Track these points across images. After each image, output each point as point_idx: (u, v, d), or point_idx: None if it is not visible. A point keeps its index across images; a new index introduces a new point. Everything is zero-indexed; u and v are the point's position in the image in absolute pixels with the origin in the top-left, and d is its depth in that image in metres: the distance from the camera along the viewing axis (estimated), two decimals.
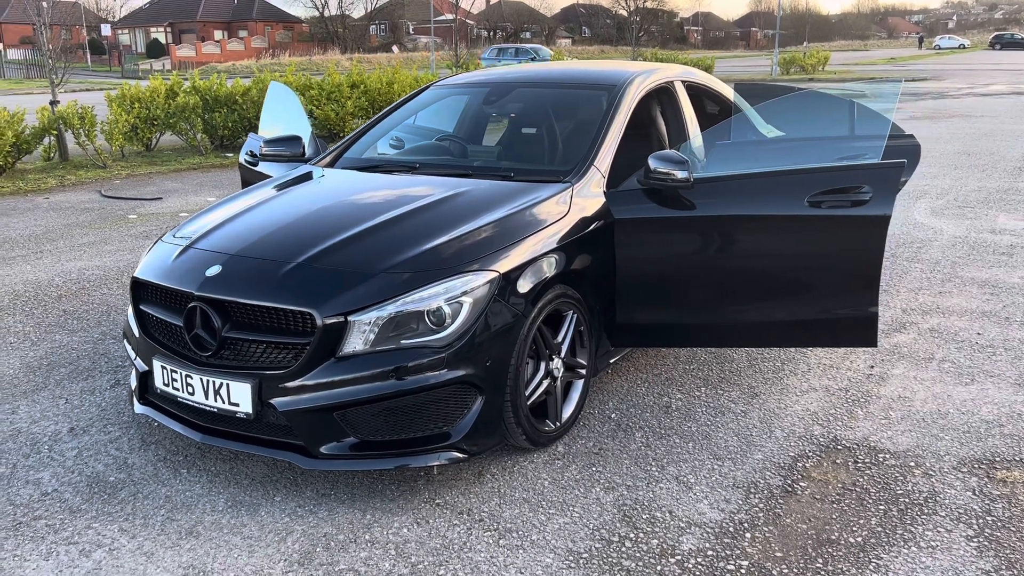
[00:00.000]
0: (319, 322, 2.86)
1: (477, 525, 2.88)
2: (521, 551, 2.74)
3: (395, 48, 57.25)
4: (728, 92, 4.99)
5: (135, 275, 3.38)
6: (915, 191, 9.04)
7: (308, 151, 4.61)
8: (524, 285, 3.15)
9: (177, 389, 3.12)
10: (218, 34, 61.09)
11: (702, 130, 4.63)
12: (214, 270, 3.11)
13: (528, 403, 3.25)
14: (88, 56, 54.59)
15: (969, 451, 3.39)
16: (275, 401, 2.91)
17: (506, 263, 3.12)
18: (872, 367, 4.26)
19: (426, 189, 3.65)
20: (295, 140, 4.59)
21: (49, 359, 4.43)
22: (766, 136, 4.93)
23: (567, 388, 3.56)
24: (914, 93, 24.04)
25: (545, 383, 3.36)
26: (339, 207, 3.60)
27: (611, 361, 3.90)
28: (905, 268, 6.08)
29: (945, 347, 4.52)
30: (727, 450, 3.40)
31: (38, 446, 3.46)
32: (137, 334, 3.34)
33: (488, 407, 3.05)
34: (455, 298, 2.96)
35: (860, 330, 3.64)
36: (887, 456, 3.35)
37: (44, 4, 13.77)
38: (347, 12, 65.65)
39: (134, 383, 3.45)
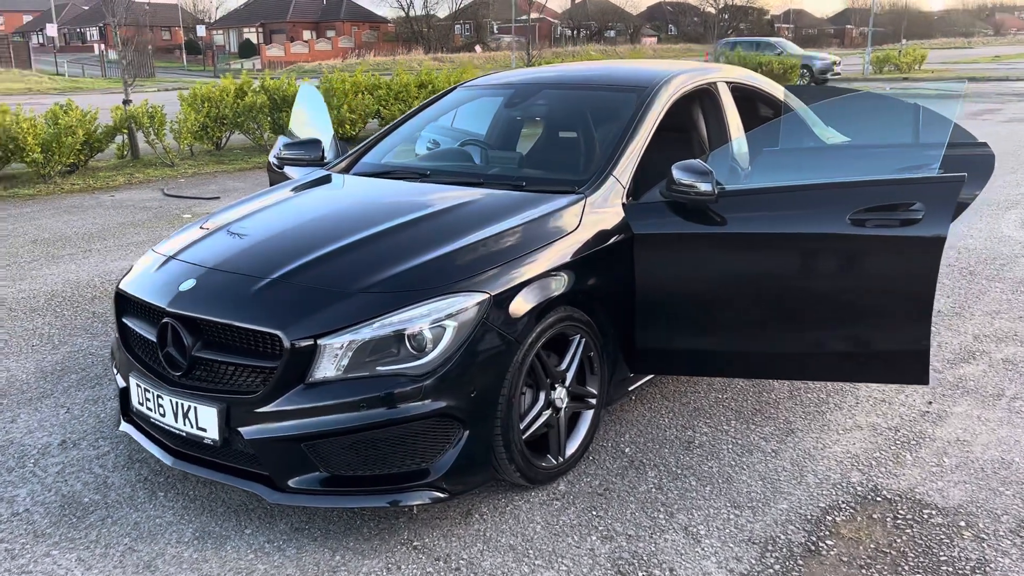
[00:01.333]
0: (286, 344, 2.63)
1: (452, 574, 2.61)
2: None
3: (478, 48, 57.36)
4: (781, 93, 4.59)
5: (118, 286, 3.22)
6: (1006, 201, 8.35)
7: (329, 154, 4.43)
8: (520, 308, 2.86)
9: (150, 409, 2.94)
10: (307, 34, 62.34)
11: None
12: (188, 285, 2.92)
13: (524, 436, 2.96)
14: (184, 56, 56.44)
15: None
16: (242, 429, 2.70)
17: (499, 283, 2.83)
18: (930, 403, 3.81)
19: (427, 199, 3.39)
20: (314, 143, 4.41)
21: (64, 364, 4.35)
22: (825, 142, 4.51)
23: (574, 420, 3.25)
24: (1018, 93, 22.65)
25: (545, 415, 3.06)
26: (331, 218, 3.37)
27: (630, 389, 3.58)
28: (984, 288, 5.53)
29: (1019, 383, 4.02)
30: (749, 497, 3.04)
31: (24, 459, 3.35)
32: (118, 348, 3.19)
33: (473, 442, 2.77)
34: (438, 322, 2.69)
35: (909, 366, 3.22)
36: (933, 512, 2.94)
37: (119, 8, 14.05)
38: (432, 12, 66.14)
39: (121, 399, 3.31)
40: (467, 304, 2.73)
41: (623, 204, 3.38)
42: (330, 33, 63.35)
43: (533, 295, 2.91)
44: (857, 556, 2.70)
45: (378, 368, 2.66)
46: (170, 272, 3.07)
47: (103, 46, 50.98)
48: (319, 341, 2.63)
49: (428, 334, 2.68)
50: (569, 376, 3.14)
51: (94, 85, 37.00)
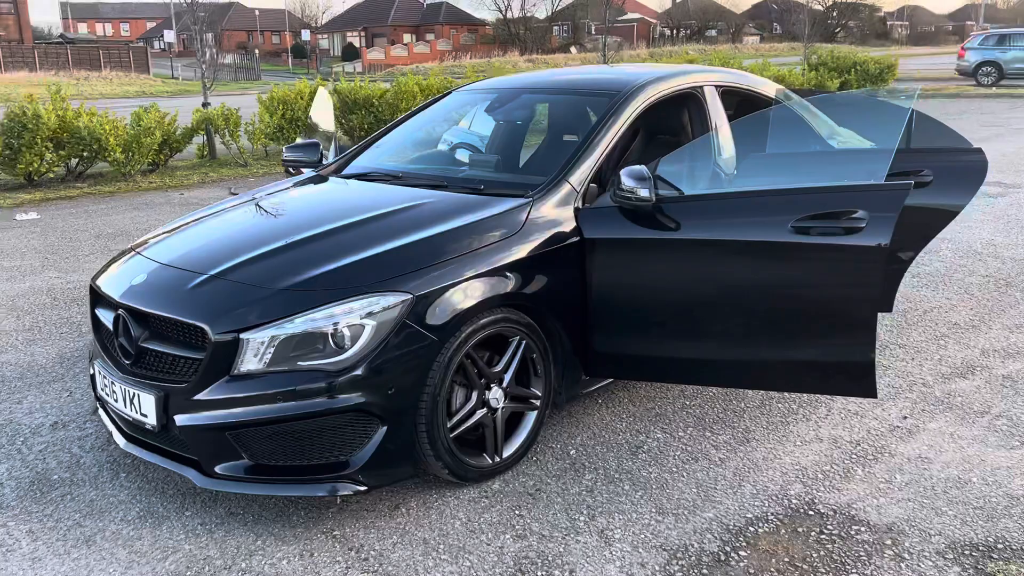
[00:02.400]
0: (211, 337, 2.79)
1: (358, 565, 2.71)
2: None
3: (573, 48, 57.35)
4: (777, 95, 4.50)
5: (92, 279, 3.46)
6: None
7: (330, 157, 4.60)
8: (446, 309, 2.93)
9: (108, 395, 3.15)
10: (407, 37, 63.65)
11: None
12: (139, 279, 3.12)
13: (453, 435, 3.03)
14: (290, 59, 58.50)
15: (969, 533, 2.83)
16: (176, 416, 2.87)
17: (424, 284, 2.91)
18: (905, 418, 3.69)
19: (383, 201, 3.50)
20: (313, 147, 4.59)
21: (83, 352, 4.66)
22: (832, 146, 4.40)
23: (517, 420, 3.30)
24: None
25: (479, 414, 3.13)
26: (286, 218, 3.53)
27: (585, 392, 3.60)
28: (1015, 301, 5.26)
29: (1010, 400, 3.84)
30: (677, 504, 3.02)
31: (15, 437, 3.62)
32: (92, 337, 3.42)
33: (391, 438, 2.86)
34: (356, 320, 2.79)
35: (855, 378, 3.13)
36: (862, 529, 2.86)
37: (201, 13, 14.73)
38: (530, 14, 66.47)
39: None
40: (387, 304, 2.82)
41: (576, 209, 3.41)
42: (429, 36, 64.53)
43: (462, 296, 2.98)
44: (765, 568, 2.66)
45: (299, 363, 2.78)
46: (130, 266, 3.28)
47: (213, 51, 53.20)
48: (241, 335, 2.77)
49: (347, 332, 2.79)
50: (507, 377, 3.19)
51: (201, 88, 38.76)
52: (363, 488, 2.85)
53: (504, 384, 3.19)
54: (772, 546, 2.78)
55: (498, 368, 3.16)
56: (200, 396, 2.81)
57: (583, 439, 3.52)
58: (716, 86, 4.25)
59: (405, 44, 60.22)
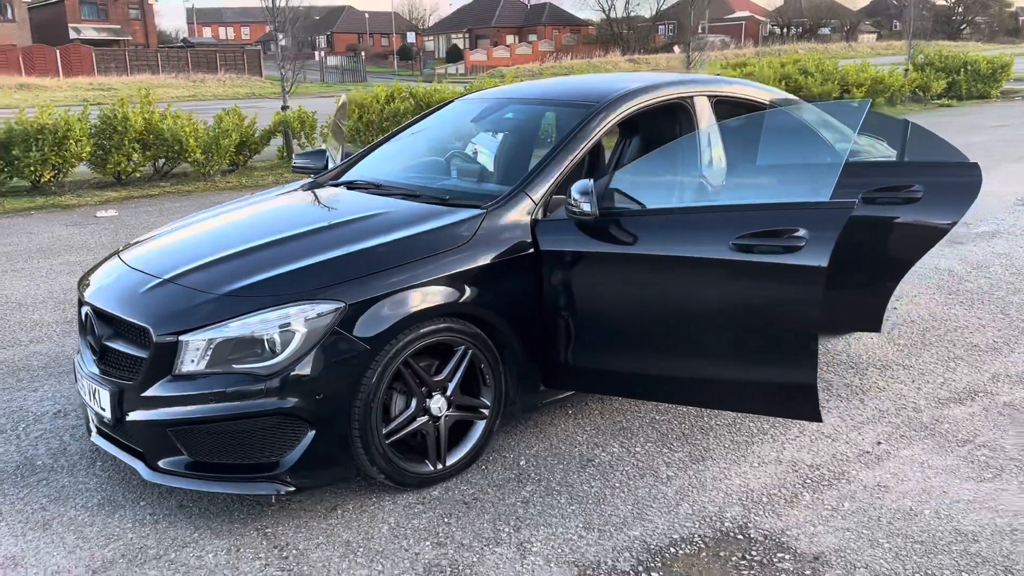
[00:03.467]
0: (154, 338, 2.95)
1: (277, 563, 2.81)
2: None
3: (676, 48, 56.47)
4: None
5: (80, 278, 3.69)
6: None
7: (337, 163, 4.74)
8: (382, 318, 3.01)
9: (81, 388, 3.37)
10: (510, 38, 64.15)
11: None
12: (107, 279, 3.33)
13: (389, 440, 3.10)
14: (395, 61, 59.86)
15: (898, 567, 2.71)
16: (128, 412, 3.05)
17: (360, 293, 2.99)
18: (879, 443, 3.54)
19: (349, 210, 3.62)
20: (320, 154, 4.75)
21: None
22: (840, 156, 4.25)
23: (466, 429, 3.35)
24: None
25: (421, 421, 3.19)
26: (254, 225, 3.66)
27: (545, 402, 3.61)
28: None
29: (1001, 429, 3.63)
30: (607, 520, 3.01)
31: (18, 424, 3.91)
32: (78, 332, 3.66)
33: (320, 442, 2.95)
34: (286, 326, 2.90)
35: (797, 401, 3.04)
36: (786, 557, 2.78)
37: (278, 16, 15.25)
38: (633, 13, 65.83)
39: None
40: (318, 311, 2.92)
41: (536, 220, 3.43)
42: (532, 37, 64.84)
43: (399, 306, 3.04)
44: None
45: (235, 366, 2.91)
46: (108, 267, 3.49)
47: (322, 53, 54.97)
48: (181, 337, 2.92)
49: (278, 337, 2.90)
50: (450, 386, 3.24)
51: (308, 89, 40.13)
52: (291, 489, 2.96)
53: (448, 393, 3.24)
54: (687, 569, 2.73)
55: (441, 377, 3.22)
56: (146, 394, 2.98)
57: (538, 449, 3.54)
58: (710, 96, 4.18)
59: (507, 45, 60.70)
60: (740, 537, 2.90)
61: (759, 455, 3.45)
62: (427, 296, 3.11)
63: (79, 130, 10.54)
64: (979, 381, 4.15)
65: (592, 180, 3.29)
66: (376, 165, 4.40)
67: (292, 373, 2.89)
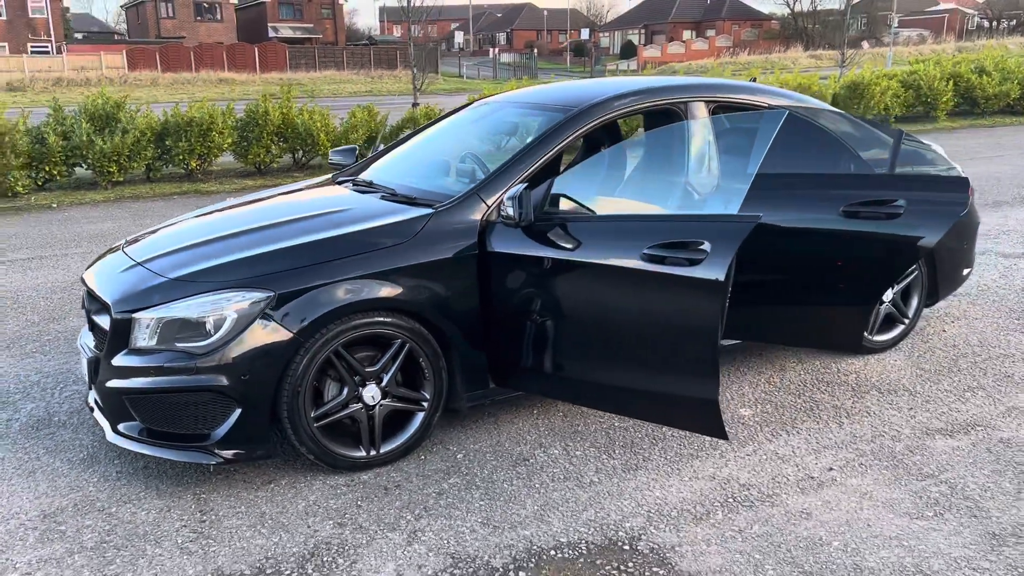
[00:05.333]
0: (113, 314, 3.30)
1: (192, 526, 3.08)
2: (187, 556, 2.90)
3: (865, 43, 53.37)
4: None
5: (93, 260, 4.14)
6: None
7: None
8: (312, 307, 3.21)
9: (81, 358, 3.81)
10: (686, 34, 62.97)
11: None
12: (104, 261, 3.73)
13: (318, 424, 3.30)
14: (568, 58, 60.30)
15: None
16: (100, 379, 3.42)
17: (292, 283, 3.21)
18: (831, 469, 3.37)
19: (320, 206, 3.84)
20: (351, 151, 5.03)
21: None
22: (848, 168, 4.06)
23: (404, 418, 3.51)
24: None
25: (353, 408, 3.37)
26: (240, 217, 3.94)
27: (498, 399, 3.70)
28: None
29: (976, 467, 3.36)
30: (507, 518, 3.07)
31: (58, 384, 4.43)
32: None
33: (246, 419, 3.20)
34: (220, 310, 3.16)
35: (702, 417, 2.97)
36: (661, 573, 2.74)
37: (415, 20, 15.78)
38: (822, 6, 62.74)
39: None
40: (249, 299, 3.16)
41: (488, 222, 3.51)
42: (710, 32, 63.29)
43: (331, 297, 3.23)
44: None
45: (177, 344, 3.21)
46: (111, 252, 3.91)
47: (496, 51, 56.18)
48: (134, 315, 3.26)
49: (212, 320, 3.17)
50: (386, 377, 3.40)
51: (479, 86, 41.33)
52: (219, 461, 3.22)
53: (383, 383, 3.40)
54: (556, 572, 2.76)
55: (375, 368, 3.38)
56: (111, 364, 3.34)
57: (482, 445, 3.63)
58: (708, 101, 4.09)
59: (683, 41, 59.61)
60: (626, 548, 2.88)
61: (697, 469, 3.38)
62: (360, 289, 3.29)
63: (222, 123, 11.51)
64: (988, 414, 3.82)
65: (526, 186, 3.34)
66: (388, 165, 4.60)
67: (221, 354, 3.15)
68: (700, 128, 3.94)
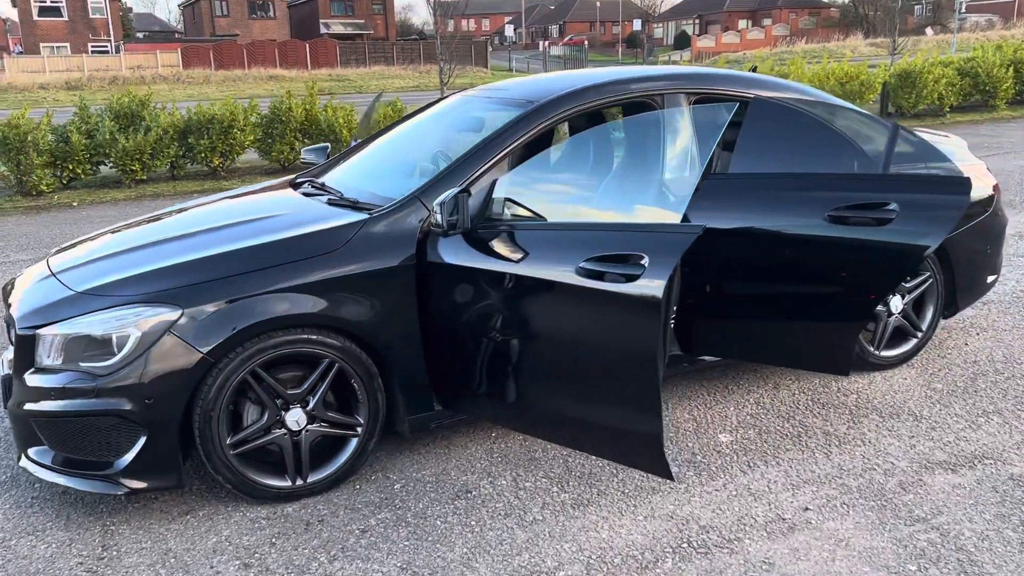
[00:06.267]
0: (17, 329, 3.06)
1: (89, 563, 2.83)
2: None
3: (928, 30, 51.47)
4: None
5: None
6: None
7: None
8: (223, 325, 2.92)
9: None
10: (741, 23, 61.55)
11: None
12: (27, 271, 3.50)
13: (237, 451, 3.03)
14: (620, 50, 59.46)
15: None
16: (11, 399, 3.19)
17: (202, 298, 2.93)
18: (807, 509, 2.97)
19: (253, 211, 3.57)
20: (322, 150, 4.75)
21: None
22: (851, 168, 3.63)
23: (338, 444, 3.21)
24: None
25: (276, 434, 3.09)
26: (170, 223, 3.67)
27: (448, 422, 3.38)
28: None
29: (976, 509, 2.92)
30: (428, 563, 2.75)
31: None
32: None
33: (152, 446, 2.93)
34: (123, 329, 2.90)
35: (643, 451, 2.61)
36: None
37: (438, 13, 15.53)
38: None
39: None
40: (153, 315, 2.89)
41: (422, 229, 3.19)
42: (766, 21, 61.77)
43: (246, 313, 2.94)
44: None
45: (82, 363, 2.96)
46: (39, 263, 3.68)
47: (545, 43, 55.75)
48: (38, 331, 3.01)
49: (115, 338, 2.90)
50: (312, 400, 3.11)
51: (482, 79, 40.91)
52: (124, 490, 2.96)
53: (309, 407, 3.11)
54: None
55: (300, 390, 3.09)
56: (19, 383, 3.10)
57: (426, 473, 3.31)
58: (688, 93, 3.70)
59: (738, 31, 58.30)
60: None
61: (655, 507, 3.01)
62: (280, 304, 2.99)
63: (243, 120, 11.39)
64: (1000, 445, 3.37)
65: (461, 190, 3.01)
66: (351, 165, 4.29)
67: (124, 376, 2.88)
68: (674, 121, 3.55)
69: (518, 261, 2.84)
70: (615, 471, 3.26)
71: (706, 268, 3.48)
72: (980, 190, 4.24)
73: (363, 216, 3.22)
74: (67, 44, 49.85)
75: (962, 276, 4.17)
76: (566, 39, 67.06)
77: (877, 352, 4.03)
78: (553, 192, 3.32)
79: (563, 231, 2.81)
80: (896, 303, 4.02)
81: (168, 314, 2.90)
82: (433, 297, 3.13)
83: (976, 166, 4.32)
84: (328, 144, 4.81)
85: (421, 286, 3.16)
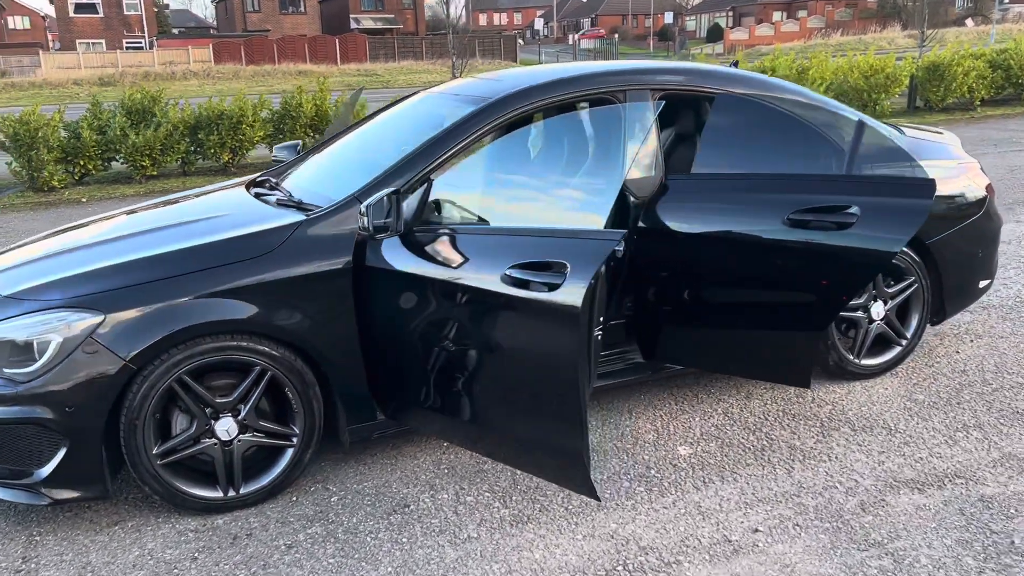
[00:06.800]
0: None
1: (7, 573, 2.75)
2: None
3: (969, 21, 50.31)
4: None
5: None
6: None
7: None
8: (148, 330, 2.81)
9: None
10: (776, 15, 60.61)
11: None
12: None
13: (164, 461, 2.93)
14: (651, 43, 58.90)
15: None
16: None
17: (126, 303, 2.82)
18: (757, 530, 2.80)
19: (194, 212, 3.48)
20: (293, 147, 4.65)
21: None
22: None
23: (273, 455, 3.10)
24: None
25: (206, 443, 2.98)
26: (108, 228, 3.57)
27: (393, 432, 3.26)
28: None
29: (939, 533, 2.73)
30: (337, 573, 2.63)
31: None
32: None
33: (75, 456, 2.83)
34: (45, 333, 2.80)
35: (569, 470, 2.46)
36: None
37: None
38: None
39: None
40: (74, 321, 2.79)
41: (360, 232, 3.06)
42: (801, 13, 60.75)
43: (172, 318, 2.84)
44: None
45: (4, 370, 2.87)
46: None
47: (576, 37, 55.42)
48: None
49: (36, 344, 2.81)
50: (244, 409, 3.00)
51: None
52: (45, 501, 2.87)
53: (241, 416, 3.00)
54: None
55: (230, 398, 2.98)
56: None
57: (368, 485, 3.19)
58: (654, 89, 3.53)
59: (773, 23, 57.42)
60: None
61: (596, 525, 2.86)
62: (207, 309, 2.88)
63: (252, 116, 11.37)
64: (975, 462, 3.16)
65: (392, 191, 2.88)
66: (313, 164, 4.17)
67: (44, 383, 2.79)
68: (632, 119, 3.38)
69: (448, 267, 2.71)
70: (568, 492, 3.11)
71: (663, 272, 3.31)
72: (973, 190, 4.03)
73: (300, 218, 3.10)
74: (102, 40, 50.57)
75: (951, 280, 3.95)
76: (581, 33, 66.80)
77: (857, 360, 3.83)
78: (495, 194, 3.17)
79: (492, 236, 2.67)
80: (878, 309, 3.82)
81: (90, 319, 2.80)
82: (369, 303, 3.01)
83: (969, 164, 4.10)
84: (300, 141, 4.70)
85: (358, 292, 3.03)
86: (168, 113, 11.18)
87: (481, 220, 2.99)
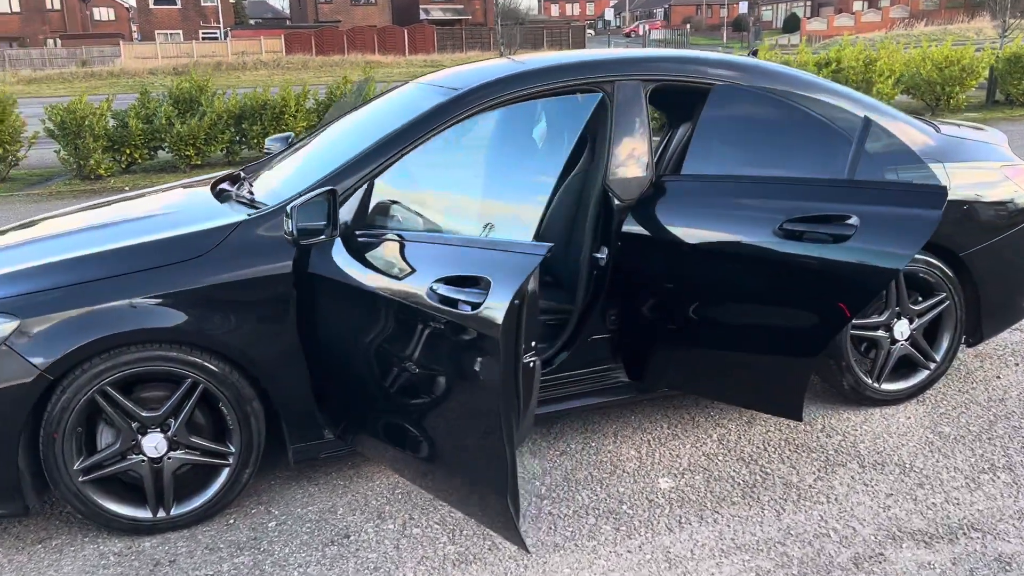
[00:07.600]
0: None
1: None
2: None
3: None
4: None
5: None
6: None
7: None
8: (68, 338, 2.60)
9: None
10: (856, 5, 58.48)
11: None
12: None
13: (88, 477, 2.72)
14: (725, 33, 57.52)
15: None
16: None
17: (43, 307, 2.61)
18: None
19: (149, 210, 3.25)
20: (285, 139, 4.44)
21: None
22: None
23: (210, 474, 2.87)
24: None
25: (133, 460, 2.77)
26: (53, 226, 3.37)
27: (328, 454, 2.99)
28: None
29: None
30: None
31: None
32: None
33: None
34: None
35: (492, 515, 2.15)
36: None
37: None
38: None
39: None
40: None
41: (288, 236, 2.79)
42: (884, 3, 58.46)
43: (94, 325, 2.62)
44: None
45: None
46: None
47: (646, 27, 54.57)
48: None
49: None
50: (173, 424, 2.77)
51: None
52: None
53: (171, 432, 2.77)
54: None
55: (158, 413, 2.75)
56: None
57: (312, 509, 2.93)
58: (645, 81, 3.18)
59: (852, 13, 55.44)
60: None
61: (547, 569, 2.54)
62: (130, 316, 2.66)
63: (295, 106, 11.29)
64: (997, 511, 2.74)
65: (320, 193, 2.61)
66: (287, 159, 3.92)
67: None
68: (618, 113, 3.04)
69: (379, 276, 2.42)
70: (528, 519, 2.80)
71: (646, 284, 2.97)
72: (1021, 196, 3.56)
73: (239, 218, 2.85)
74: (180, 31, 51.84)
75: (990, 297, 3.49)
76: (630, 28, 65.94)
77: (876, 385, 3.41)
78: (453, 195, 2.88)
79: (423, 244, 2.37)
80: (902, 328, 3.39)
81: (4, 324, 2.61)
82: (312, 313, 2.74)
83: (1017, 167, 3.63)
84: (292, 134, 4.48)
85: (301, 300, 2.77)
86: (214, 103, 11.17)
87: (431, 225, 2.69)
